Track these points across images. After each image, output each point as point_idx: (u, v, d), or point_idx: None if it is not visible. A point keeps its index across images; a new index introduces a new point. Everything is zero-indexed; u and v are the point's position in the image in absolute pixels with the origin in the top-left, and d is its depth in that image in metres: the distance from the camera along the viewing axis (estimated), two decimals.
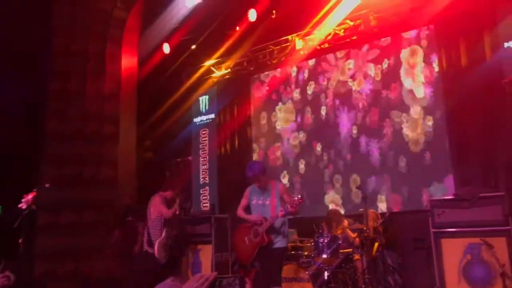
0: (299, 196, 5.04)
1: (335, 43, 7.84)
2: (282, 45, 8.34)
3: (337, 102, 7.87)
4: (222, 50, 8.82)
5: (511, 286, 4.60)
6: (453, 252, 5.08)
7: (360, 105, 7.57)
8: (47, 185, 6.28)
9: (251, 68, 8.94)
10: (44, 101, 7.42)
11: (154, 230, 5.93)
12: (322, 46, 7.95)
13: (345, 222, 6.23)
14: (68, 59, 7.62)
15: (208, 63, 9.28)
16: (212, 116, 9.50)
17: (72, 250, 6.96)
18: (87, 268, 6.90)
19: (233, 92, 9.35)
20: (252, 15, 7.76)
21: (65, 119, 7.45)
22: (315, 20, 7.59)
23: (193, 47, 8.90)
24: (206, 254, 7.22)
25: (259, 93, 9.06)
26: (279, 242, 5.11)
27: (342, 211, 7.10)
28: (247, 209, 5.37)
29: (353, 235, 6.05)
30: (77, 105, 7.52)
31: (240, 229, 5.45)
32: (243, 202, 5.41)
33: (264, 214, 5.12)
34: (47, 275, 6.75)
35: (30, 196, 5.49)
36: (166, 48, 8.73)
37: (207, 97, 9.64)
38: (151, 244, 5.87)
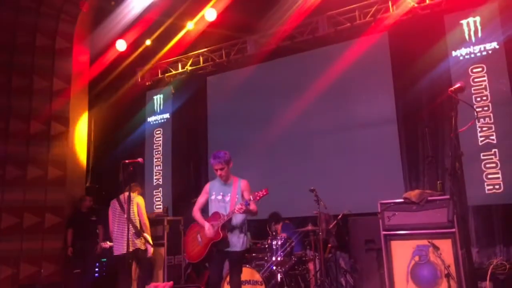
0: (263, 190, 4.60)
1: (292, 46, 7.89)
2: (240, 46, 8.32)
3: (294, 104, 7.92)
4: (178, 48, 8.66)
5: (455, 287, 4.77)
6: (402, 254, 5.20)
7: (315, 108, 7.66)
8: None
9: (207, 68, 8.86)
10: None
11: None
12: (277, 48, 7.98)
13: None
14: (11, 52, 7.22)
15: (163, 61, 9.12)
16: (167, 115, 9.33)
17: (14, 255, 6.65)
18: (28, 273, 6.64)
19: (189, 92, 9.21)
20: (210, 14, 7.66)
21: (8, 116, 7.07)
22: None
23: (148, 43, 8.67)
24: (158, 257, 7.07)
25: (215, 93, 8.98)
26: (238, 245, 4.77)
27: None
28: (205, 208, 5.02)
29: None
30: (22, 102, 7.15)
31: (193, 227, 5.08)
32: (201, 199, 5.04)
33: (223, 210, 4.79)
34: None
35: None
36: (121, 46, 8.45)
37: (161, 96, 9.46)
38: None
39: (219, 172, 4.84)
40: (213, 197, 4.93)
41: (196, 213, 4.97)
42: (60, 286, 6.74)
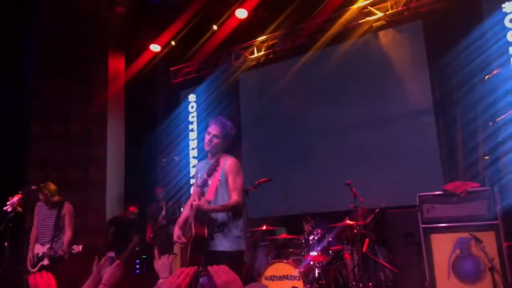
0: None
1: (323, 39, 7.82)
2: (269, 42, 8.30)
3: (327, 98, 7.85)
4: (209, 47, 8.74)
5: (500, 280, 4.60)
6: (442, 247, 5.07)
7: (349, 100, 7.56)
8: (33, 187, 6.16)
9: (239, 66, 8.88)
10: (28, 102, 7.31)
11: None
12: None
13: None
14: (51, 59, 7.50)
15: (195, 61, 9.22)
16: (200, 114, 9.46)
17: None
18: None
19: (222, 90, 9.26)
20: (241, 12, 7.71)
21: (49, 120, 7.34)
22: None
23: (173, 43, 8.81)
24: None
25: (247, 90, 9.01)
26: (224, 244, 3.44)
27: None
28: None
29: None
30: (62, 105, 7.42)
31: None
32: (194, 187, 3.79)
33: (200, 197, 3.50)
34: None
35: (15, 199, 5.37)
36: (155, 48, 8.64)
37: (194, 95, 9.59)
38: None
39: (207, 138, 3.57)
40: (198, 180, 3.62)
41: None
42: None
